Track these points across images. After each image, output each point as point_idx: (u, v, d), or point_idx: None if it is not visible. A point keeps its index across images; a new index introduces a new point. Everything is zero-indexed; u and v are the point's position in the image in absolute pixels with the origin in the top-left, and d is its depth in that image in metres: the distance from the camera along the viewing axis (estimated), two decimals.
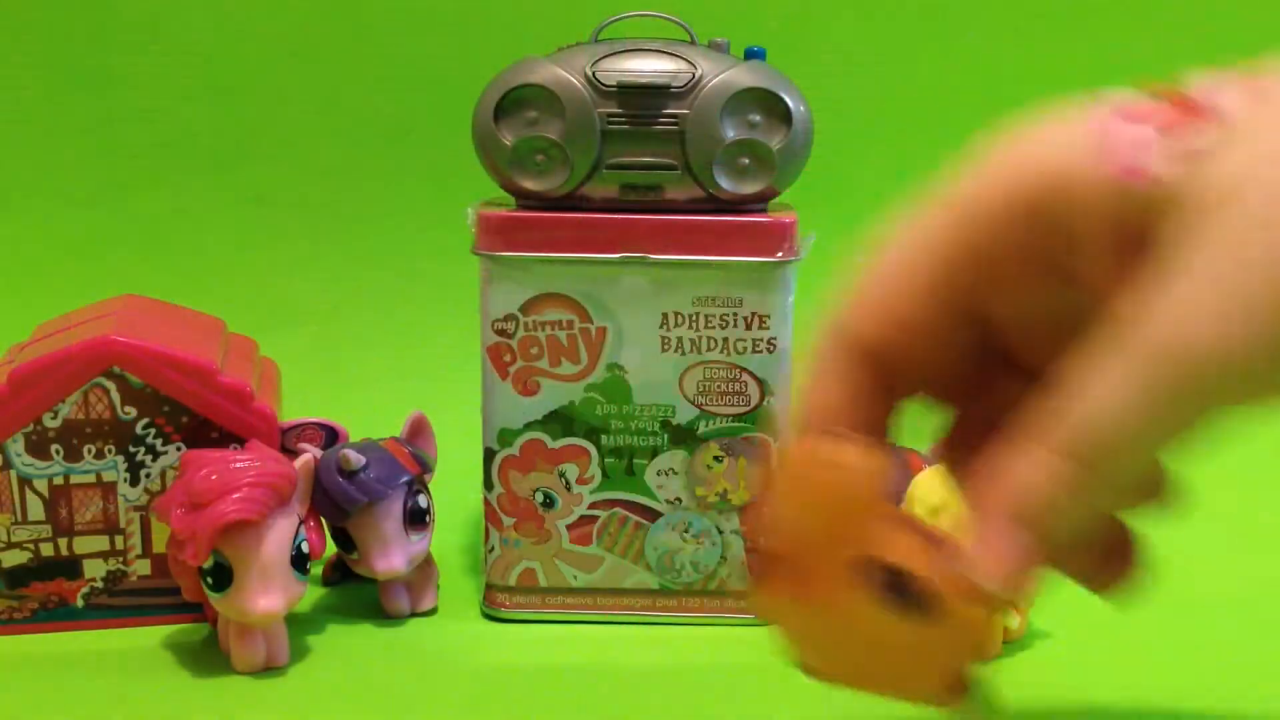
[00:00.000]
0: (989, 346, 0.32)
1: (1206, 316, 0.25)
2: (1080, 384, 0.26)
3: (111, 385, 0.54)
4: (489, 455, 0.56)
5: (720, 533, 0.57)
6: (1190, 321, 0.25)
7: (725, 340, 0.55)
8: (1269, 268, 0.25)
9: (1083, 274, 0.28)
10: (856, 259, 0.31)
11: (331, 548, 0.58)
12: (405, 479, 0.56)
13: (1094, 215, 0.27)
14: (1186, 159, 0.26)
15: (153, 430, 0.55)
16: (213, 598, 0.51)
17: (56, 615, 0.56)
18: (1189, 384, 0.25)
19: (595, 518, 0.56)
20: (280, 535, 0.51)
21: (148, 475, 0.55)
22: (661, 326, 0.55)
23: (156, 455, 0.55)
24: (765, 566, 0.30)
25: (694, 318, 0.55)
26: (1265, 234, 0.25)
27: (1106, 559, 0.32)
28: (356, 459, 0.55)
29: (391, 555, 0.55)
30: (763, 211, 0.55)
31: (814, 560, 0.29)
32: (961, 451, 0.34)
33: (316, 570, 0.60)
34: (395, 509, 0.55)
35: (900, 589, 0.28)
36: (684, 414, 0.55)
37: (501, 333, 0.55)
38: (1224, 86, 0.27)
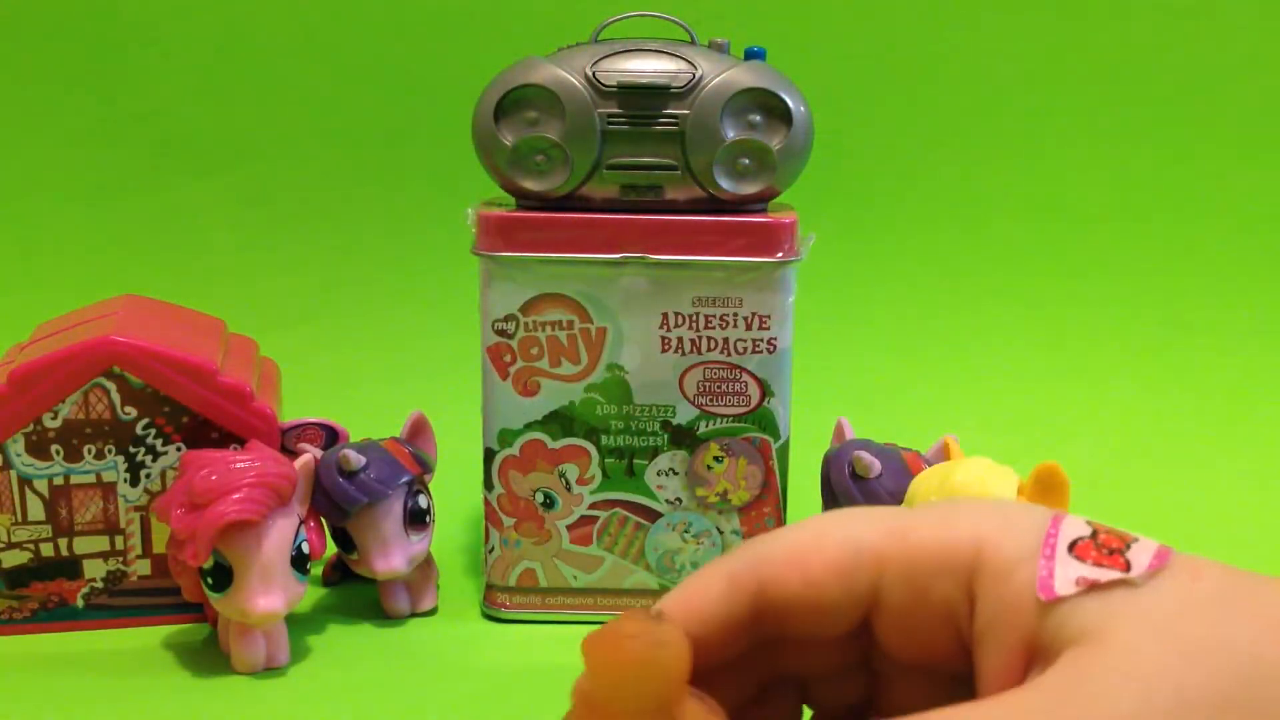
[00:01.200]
0: (865, 650, 0.36)
1: None
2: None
3: (111, 385, 0.54)
4: (489, 455, 0.56)
5: (720, 533, 0.57)
6: None
7: (725, 340, 0.55)
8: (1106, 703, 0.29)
9: (966, 638, 0.33)
10: (803, 528, 0.35)
11: (331, 548, 0.58)
12: (405, 479, 0.56)
13: (1006, 605, 0.32)
14: (1097, 600, 0.31)
15: (153, 430, 0.55)
16: (213, 598, 0.51)
17: (56, 615, 0.56)
18: None
19: (595, 518, 0.57)
20: (280, 535, 0.51)
21: (148, 475, 0.55)
22: (661, 326, 0.55)
23: (156, 455, 0.55)
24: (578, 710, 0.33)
25: (694, 318, 0.55)
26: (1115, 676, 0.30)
27: None
28: (356, 459, 0.55)
29: (391, 555, 0.55)
30: (763, 211, 0.55)
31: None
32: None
33: (316, 570, 0.60)
34: (395, 509, 0.55)
35: None
36: (684, 414, 0.55)
37: (501, 333, 0.55)
38: (1147, 549, 0.32)
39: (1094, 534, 0.32)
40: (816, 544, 0.34)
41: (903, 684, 0.35)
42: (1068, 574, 0.31)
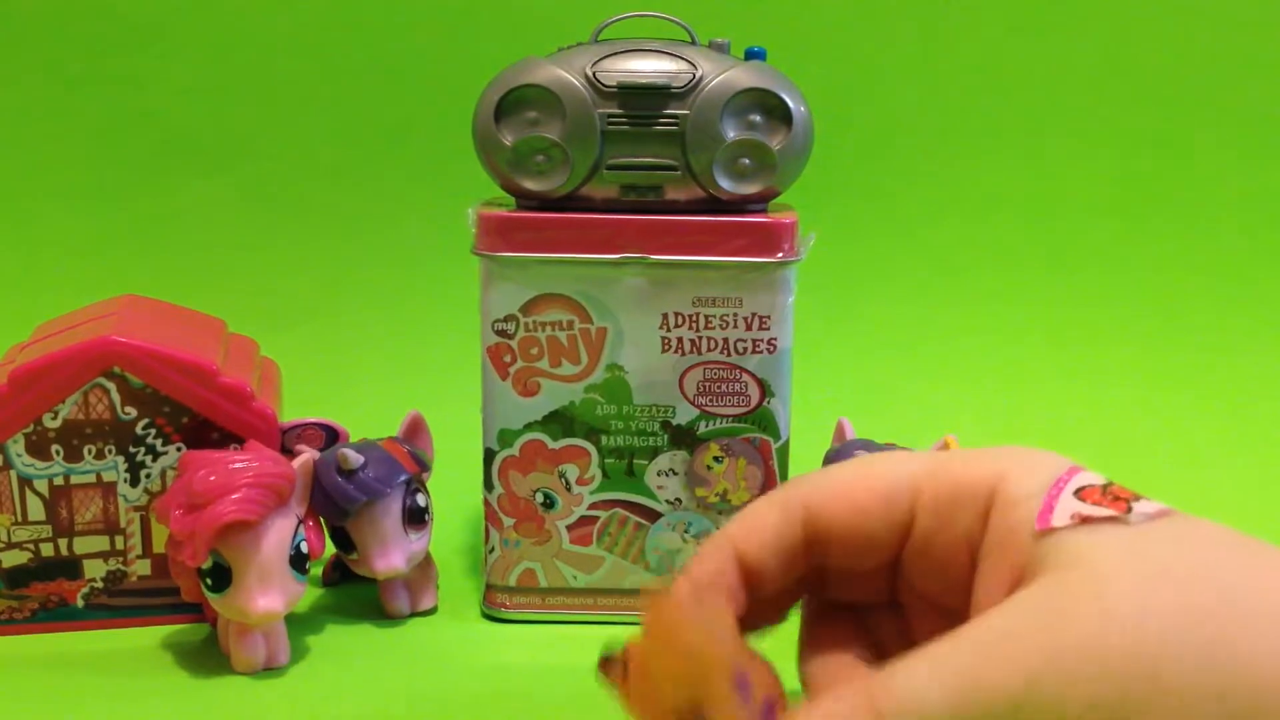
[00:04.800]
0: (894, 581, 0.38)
1: (1020, 661, 0.31)
2: (916, 662, 0.32)
3: (111, 385, 0.54)
4: (489, 455, 0.56)
5: None
6: (1010, 658, 0.31)
7: (725, 340, 0.55)
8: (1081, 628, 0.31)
9: (976, 564, 0.35)
10: (845, 466, 0.38)
11: (331, 548, 0.58)
12: (403, 478, 0.56)
13: (1005, 534, 0.34)
14: (1086, 532, 0.33)
15: (153, 430, 0.55)
16: (212, 598, 0.51)
17: (56, 615, 0.56)
18: (991, 707, 0.31)
19: (595, 518, 0.57)
20: (279, 535, 0.51)
21: (148, 475, 0.55)
22: (661, 326, 0.55)
23: (156, 455, 0.55)
24: (622, 672, 0.36)
25: (694, 318, 0.55)
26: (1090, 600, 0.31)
27: None
28: (355, 458, 0.55)
29: (391, 554, 0.55)
30: (763, 211, 0.55)
31: (660, 692, 0.34)
32: (822, 630, 0.40)
33: (316, 570, 0.60)
34: (394, 508, 0.55)
35: None
36: (684, 414, 0.55)
37: (501, 333, 0.55)
38: (1153, 505, 0.33)
39: (1106, 485, 0.34)
40: (861, 476, 0.37)
41: (928, 624, 0.37)
42: (1065, 509, 0.33)
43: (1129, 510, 0.33)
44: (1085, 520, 0.33)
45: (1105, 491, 0.34)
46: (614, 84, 0.53)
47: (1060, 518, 0.33)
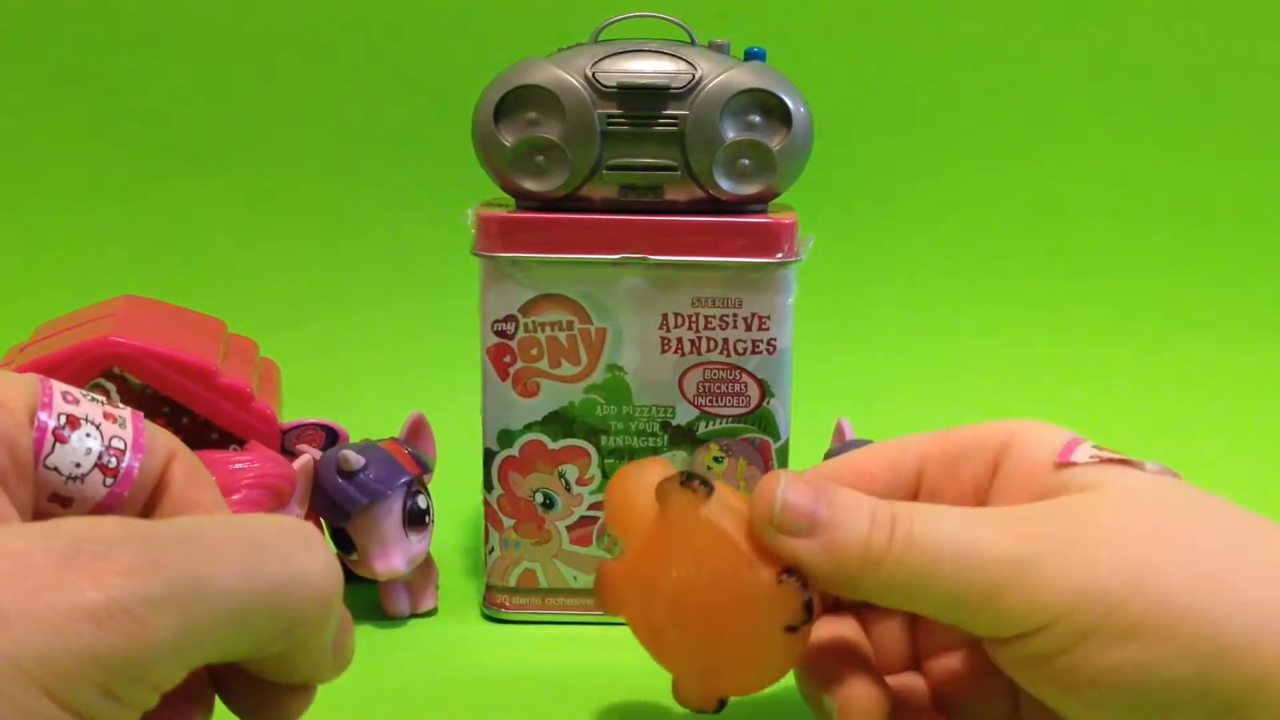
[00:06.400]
0: None
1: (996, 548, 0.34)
2: (940, 507, 0.35)
3: (111, 386, 0.54)
4: (489, 456, 0.56)
5: None
6: (1024, 532, 0.34)
7: (725, 341, 0.55)
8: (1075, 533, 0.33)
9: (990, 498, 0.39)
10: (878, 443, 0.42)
11: (331, 549, 0.57)
12: (404, 479, 0.56)
13: (1022, 469, 0.37)
14: (1103, 469, 0.36)
15: None
16: None
17: None
18: (995, 566, 0.33)
19: (595, 519, 0.57)
20: None
21: None
22: (661, 327, 0.55)
23: None
24: (607, 574, 0.41)
25: (694, 318, 0.55)
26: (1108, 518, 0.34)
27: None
28: (355, 459, 0.55)
29: (391, 556, 0.55)
30: (763, 212, 0.55)
31: (639, 536, 0.39)
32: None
33: None
34: (395, 509, 0.55)
35: (690, 479, 0.38)
36: (684, 414, 0.55)
37: (501, 334, 0.55)
38: (1155, 463, 0.36)
39: (1117, 452, 0.37)
40: (870, 450, 0.41)
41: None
42: (1084, 451, 0.36)
43: (1143, 465, 0.36)
44: (1104, 461, 0.35)
45: (1119, 452, 0.36)
46: (614, 84, 0.53)
47: (1079, 456, 0.36)
